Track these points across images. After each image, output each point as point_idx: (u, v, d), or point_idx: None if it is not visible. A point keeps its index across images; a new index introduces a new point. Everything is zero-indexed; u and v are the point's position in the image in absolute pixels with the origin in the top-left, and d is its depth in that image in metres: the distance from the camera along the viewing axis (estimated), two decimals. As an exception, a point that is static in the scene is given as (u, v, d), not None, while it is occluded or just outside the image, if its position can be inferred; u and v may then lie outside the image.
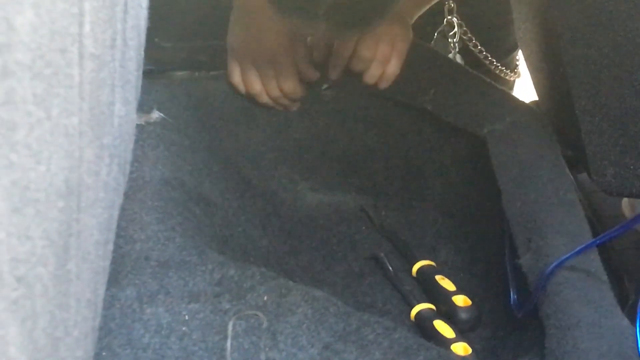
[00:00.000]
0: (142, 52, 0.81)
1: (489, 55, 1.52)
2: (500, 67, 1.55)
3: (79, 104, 0.49)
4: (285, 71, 1.21)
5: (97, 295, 0.65)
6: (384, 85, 1.24)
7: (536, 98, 1.26)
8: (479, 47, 1.51)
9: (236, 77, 1.24)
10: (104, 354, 0.78)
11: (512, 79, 1.60)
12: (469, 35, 1.50)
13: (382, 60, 1.22)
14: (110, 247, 0.71)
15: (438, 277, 1.07)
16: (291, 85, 1.22)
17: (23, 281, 0.38)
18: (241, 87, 1.24)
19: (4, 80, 0.34)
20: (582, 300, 0.89)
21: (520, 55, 1.64)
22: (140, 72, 0.80)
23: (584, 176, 1.24)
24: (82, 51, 0.49)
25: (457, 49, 1.47)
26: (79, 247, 0.52)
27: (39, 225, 0.40)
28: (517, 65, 1.63)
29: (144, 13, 0.81)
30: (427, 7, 1.33)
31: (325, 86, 1.30)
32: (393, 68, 1.23)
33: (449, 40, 1.46)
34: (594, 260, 0.93)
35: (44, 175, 0.41)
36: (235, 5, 1.22)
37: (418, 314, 1.02)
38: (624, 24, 0.90)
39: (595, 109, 0.95)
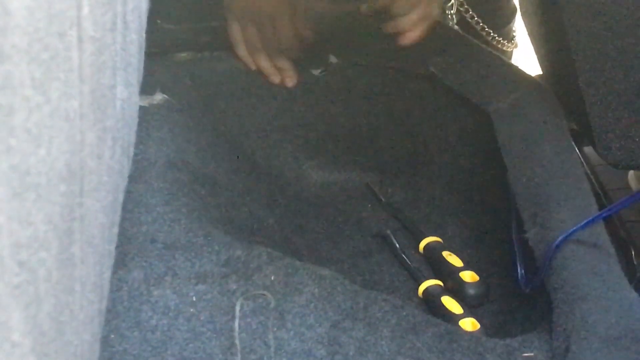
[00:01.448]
0: (144, 34, 0.81)
1: (485, 27, 1.53)
2: (497, 38, 1.56)
3: (79, 87, 0.48)
4: (284, 27, 1.22)
5: (102, 279, 0.65)
6: (403, 40, 1.25)
7: (540, 71, 1.25)
8: (476, 19, 1.51)
9: (237, 36, 1.24)
10: (112, 336, 0.78)
11: (509, 49, 1.61)
12: (466, 6, 1.50)
13: (417, 16, 1.24)
14: (116, 230, 0.71)
15: (445, 253, 1.07)
16: (290, 40, 1.23)
17: (25, 266, 0.38)
18: (242, 47, 1.25)
19: (0, 65, 0.34)
20: (589, 274, 0.89)
21: (517, 26, 1.64)
22: (143, 54, 0.80)
23: (590, 149, 1.24)
24: (81, 34, 0.49)
25: (455, 21, 1.48)
26: (83, 231, 0.52)
27: (41, 210, 0.40)
28: (514, 36, 1.64)
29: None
30: None
31: (320, 70, 1.30)
32: (416, 33, 1.25)
33: (447, 12, 1.47)
34: (601, 233, 0.93)
35: (44, 159, 0.41)
36: None
37: (426, 290, 1.02)
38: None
39: (600, 82, 0.95)
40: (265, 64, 1.25)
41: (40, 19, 0.39)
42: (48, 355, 0.42)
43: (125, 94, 0.69)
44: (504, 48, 1.59)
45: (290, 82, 1.27)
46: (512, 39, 1.61)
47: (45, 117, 0.41)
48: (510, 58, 1.63)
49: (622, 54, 0.93)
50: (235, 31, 1.24)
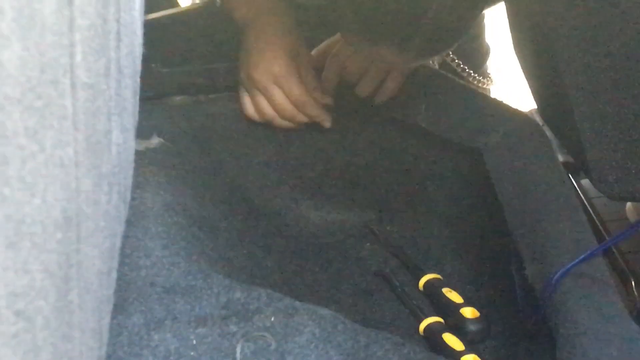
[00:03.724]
0: (139, 79, 0.81)
1: (466, 68, 1.55)
2: (477, 77, 1.59)
3: (73, 134, 0.48)
4: (293, 88, 1.22)
5: (102, 325, 0.65)
6: (378, 99, 1.27)
7: (534, 106, 1.26)
8: (457, 61, 1.54)
9: (249, 109, 1.25)
10: (113, 382, 0.78)
11: (488, 86, 1.64)
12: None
13: (374, 77, 1.24)
14: (114, 275, 0.70)
15: (445, 290, 1.07)
16: (303, 98, 1.23)
17: (22, 315, 0.38)
18: (256, 118, 1.26)
19: None
20: (589, 308, 0.89)
21: (491, 64, 1.68)
22: (137, 99, 0.80)
23: (587, 182, 1.24)
24: (74, 81, 0.49)
25: (437, 65, 1.51)
26: (81, 278, 0.52)
27: (37, 258, 0.40)
28: (489, 74, 1.67)
29: (138, 40, 0.81)
30: None
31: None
32: (389, 87, 1.26)
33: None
34: (600, 266, 0.93)
35: (39, 208, 0.41)
36: (244, 46, 1.25)
37: (427, 327, 1.02)
38: (619, 28, 0.90)
39: (595, 115, 0.95)
40: (279, 125, 1.26)
41: (33, 67, 0.40)
42: None
43: (120, 139, 0.69)
44: (483, 86, 1.62)
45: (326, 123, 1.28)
46: (488, 76, 1.64)
47: (39, 165, 0.41)
48: (489, 94, 1.65)
49: (616, 86, 0.93)
50: (248, 105, 1.25)
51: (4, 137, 0.35)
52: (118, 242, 0.71)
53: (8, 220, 0.36)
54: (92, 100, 0.55)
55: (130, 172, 0.77)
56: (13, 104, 0.36)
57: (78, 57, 0.50)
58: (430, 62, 1.51)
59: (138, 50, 0.81)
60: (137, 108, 0.79)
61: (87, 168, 0.54)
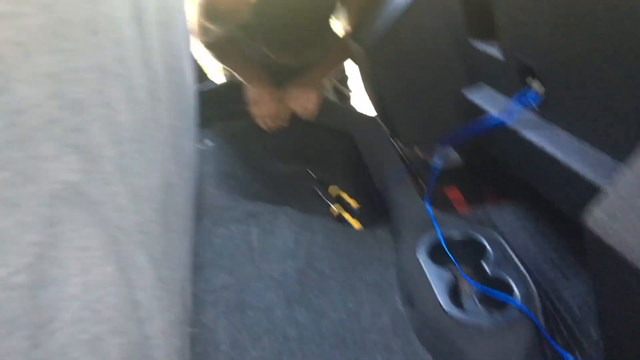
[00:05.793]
0: (197, 118, 0.80)
1: (341, 87, 1.56)
2: (347, 91, 1.58)
3: (165, 149, 0.50)
4: (272, 108, 1.21)
5: (187, 226, 0.65)
6: (309, 116, 1.24)
7: (374, 113, 1.27)
8: (339, 85, 1.54)
9: (257, 120, 1.23)
10: (199, 251, 0.79)
11: (349, 94, 1.61)
12: (335, 82, 1.53)
13: (307, 110, 1.23)
14: (191, 206, 0.70)
15: (341, 193, 1.10)
16: (282, 119, 1.23)
17: (143, 224, 0.39)
18: (261, 124, 1.23)
19: (141, 143, 0.35)
20: (402, 194, 0.91)
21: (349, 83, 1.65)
22: (196, 126, 0.79)
23: (397, 140, 1.25)
24: (168, 125, 0.50)
25: (331, 89, 1.53)
26: (174, 207, 0.52)
27: (150, 206, 0.41)
28: (350, 89, 1.63)
29: (194, 101, 0.80)
30: (330, 74, 1.33)
31: None
32: (313, 113, 1.23)
33: (328, 88, 1.51)
34: (405, 175, 0.96)
35: (150, 183, 0.42)
36: (249, 93, 1.23)
37: (336, 212, 1.05)
38: (405, 69, 0.90)
39: (398, 113, 0.96)
40: (268, 127, 1.24)
41: (174, 117, 0.40)
42: (161, 268, 0.44)
43: (189, 145, 0.70)
44: (348, 94, 1.59)
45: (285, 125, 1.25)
46: (349, 89, 1.61)
47: (152, 163, 0.41)
48: (350, 99, 1.62)
49: (406, 102, 0.93)
50: (255, 117, 1.23)
51: (141, 152, 0.36)
52: (192, 189, 0.72)
53: (134, 188, 0.37)
54: (175, 132, 0.56)
55: (196, 158, 0.76)
56: (165, 136, 0.37)
57: (164, 115, 0.50)
58: (328, 90, 1.50)
59: (194, 104, 0.79)
60: (196, 130, 0.79)
61: (174, 161, 0.55)
